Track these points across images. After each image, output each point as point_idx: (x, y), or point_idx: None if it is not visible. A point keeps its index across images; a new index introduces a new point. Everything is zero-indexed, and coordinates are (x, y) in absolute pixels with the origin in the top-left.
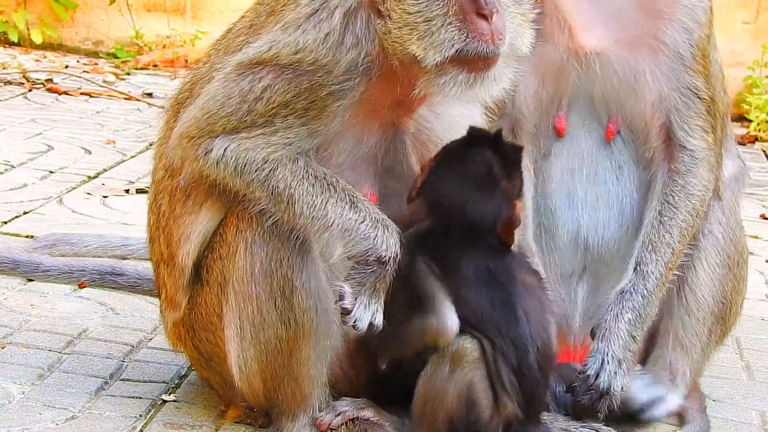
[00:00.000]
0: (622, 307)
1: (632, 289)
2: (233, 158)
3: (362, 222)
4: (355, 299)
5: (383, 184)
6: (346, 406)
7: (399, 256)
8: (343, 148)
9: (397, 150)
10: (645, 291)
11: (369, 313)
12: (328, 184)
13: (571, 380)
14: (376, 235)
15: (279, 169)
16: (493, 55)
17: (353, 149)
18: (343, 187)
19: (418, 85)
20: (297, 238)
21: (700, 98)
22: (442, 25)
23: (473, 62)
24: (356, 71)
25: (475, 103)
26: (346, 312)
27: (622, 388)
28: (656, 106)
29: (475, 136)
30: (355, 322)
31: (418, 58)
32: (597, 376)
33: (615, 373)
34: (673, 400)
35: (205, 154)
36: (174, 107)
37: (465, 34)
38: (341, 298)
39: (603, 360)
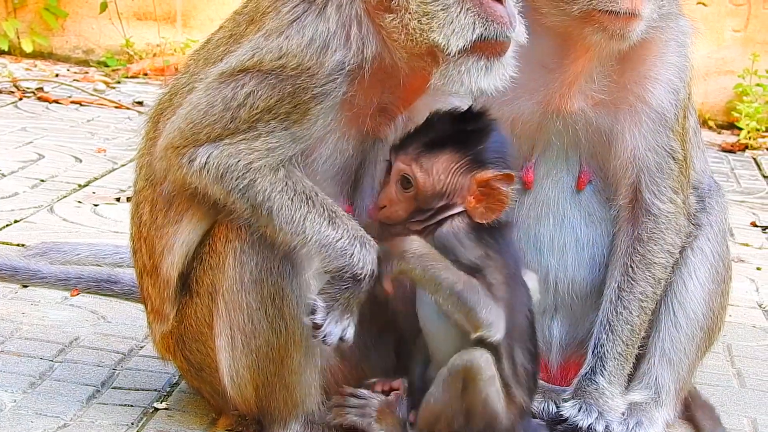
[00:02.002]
0: (586, 385)
1: (591, 372)
2: (215, 165)
3: (339, 239)
4: (327, 314)
5: (360, 197)
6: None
7: (375, 273)
8: (324, 154)
9: (373, 161)
10: (604, 372)
11: (340, 328)
12: (307, 198)
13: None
14: (353, 253)
15: (259, 180)
16: (510, 37)
17: (334, 157)
18: (323, 202)
19: (434, 76)
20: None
21: (674, 159)
22: (461, 11)
23: (492, 46)
24: (341, 73)
25: (482, 93)
26: (317, 327)
27: (606, 428)
28: (629, 164)
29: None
30: (325, 336)
31: (441, 46)
32: (575, 416)
33: (596, 418)
34: None
35: (189, 162)
36: (154, 118)
37: (485, 18)
38: (313, 312)
39: (581, 406)
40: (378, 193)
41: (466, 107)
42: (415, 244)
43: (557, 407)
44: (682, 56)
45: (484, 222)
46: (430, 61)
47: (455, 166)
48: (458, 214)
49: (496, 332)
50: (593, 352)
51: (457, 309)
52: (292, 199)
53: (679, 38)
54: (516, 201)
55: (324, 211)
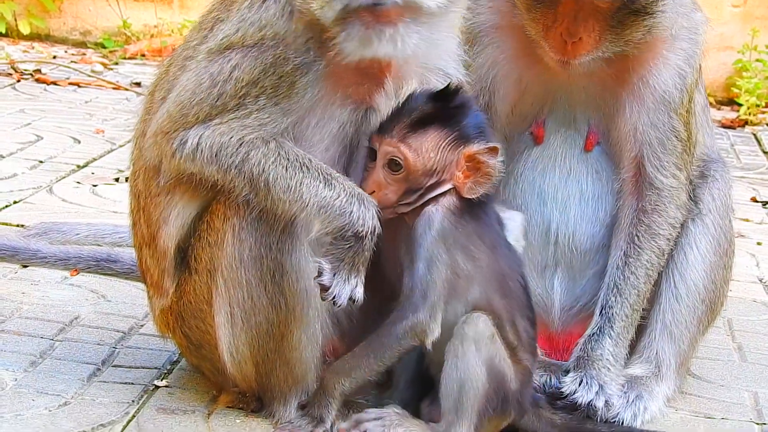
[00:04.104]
0: (591, 348)
1: (599, 332)
2: (208, 145)
3: (337, 198)
4: (334, 275)
5: (355, 170)
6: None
7: (377, 230)
8: (316, 124)
9: (366, 132)
10: (612, 333)
11: (348, 288)
12: (301, 165)
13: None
14: (352, 211)
15: (253, 152)
16: (381, 6)
17: (327, 126)
18: (317, 166)
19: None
20: (284, 221)
21: (678, 138)
22: None
23: (366, 16)
24: (311, 40)
25: (383, 58)
26: (324, 288)
27: (606, 403)
28: (630, 137)
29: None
30: (334, 297)
31: (318, 16)
32: (575, 392)
33: (596, 393)
34: (653, 409)
35: (181, 145)
36: (151, 91)
37: None
38: (320, 274)
39: (582, 380)
40: (362, 179)
41: (442, 86)
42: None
43: (559, 382)
44: (693, 43)
45: (472, 197)
46: (326, 29)
47: (443, 143)
48: (444, 192)
49: (431, 335)
50: (601, 313)
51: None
52: (286, 168)
53: (692, 28)
54: (523, 156)
55: (319, 174)
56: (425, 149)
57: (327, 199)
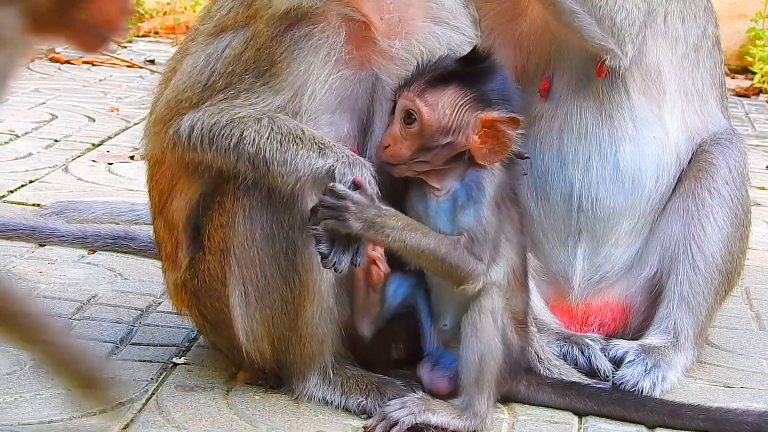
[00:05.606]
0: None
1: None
2: (200, 128)
3: (331, 167)
4: (332, 242)
5: (371, 138)
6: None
7: (376, 194)
8: (312, 96)
9: (381, 101)
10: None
11: (348, 255)
12: (294, 137)
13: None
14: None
15: (246, 132)
16: None
17: (325, 98)
18: (311, 136)
19: None
20: (292, 197)
21: None
22: None
23: None
24: (290, 13)
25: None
26: (324, 256)
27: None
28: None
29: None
30: (334, 264)
31: None
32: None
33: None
34: (672, 378)
35: (176, 132)
36: (164, 71)
37: None
38: (318, 242)
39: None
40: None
41: (471, 48)
42: (391, 219)
43: (582, 353)
44: None
45: (485, 163)
46: None
47: (460, 102)
48: (463, 155)
49: (478, 284)
50: None
51: (439, 271)
52: (280, 142)
53: None
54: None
55: (313, 144)
56: (441, 105)
57: (320, 169)
